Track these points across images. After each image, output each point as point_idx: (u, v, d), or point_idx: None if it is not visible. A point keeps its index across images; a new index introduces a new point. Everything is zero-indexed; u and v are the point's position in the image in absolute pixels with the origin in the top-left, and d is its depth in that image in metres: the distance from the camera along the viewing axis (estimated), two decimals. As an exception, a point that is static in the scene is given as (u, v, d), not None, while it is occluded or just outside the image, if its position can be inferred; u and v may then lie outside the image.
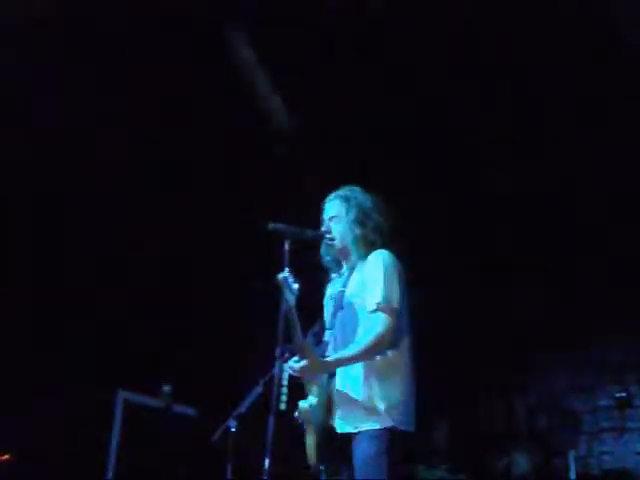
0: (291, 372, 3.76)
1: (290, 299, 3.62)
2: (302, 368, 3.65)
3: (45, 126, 6.34)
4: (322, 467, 4.17)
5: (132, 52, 6.19)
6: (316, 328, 4.11)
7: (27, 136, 6.39)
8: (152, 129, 6.75)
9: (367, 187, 4.16)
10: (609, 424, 7.14)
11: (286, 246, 3.79)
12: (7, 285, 6.71)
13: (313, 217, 4.17)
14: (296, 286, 3.65)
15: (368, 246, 3.94)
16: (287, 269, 3.67)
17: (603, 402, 7.17)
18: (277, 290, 3.67)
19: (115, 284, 7.33)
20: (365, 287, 3.86)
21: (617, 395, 7.00)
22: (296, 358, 3.69)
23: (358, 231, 3.95)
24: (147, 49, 6.21)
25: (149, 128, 6.73)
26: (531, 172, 6.95)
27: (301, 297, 3.74)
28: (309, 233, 3.98)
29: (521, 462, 7.16)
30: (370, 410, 3.67)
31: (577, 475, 6.66)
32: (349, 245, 3.99)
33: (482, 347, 7.57)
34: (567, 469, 6.65)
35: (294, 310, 3.66)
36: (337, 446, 3.75)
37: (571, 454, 6.70)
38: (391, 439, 3.64)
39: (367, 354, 3.70)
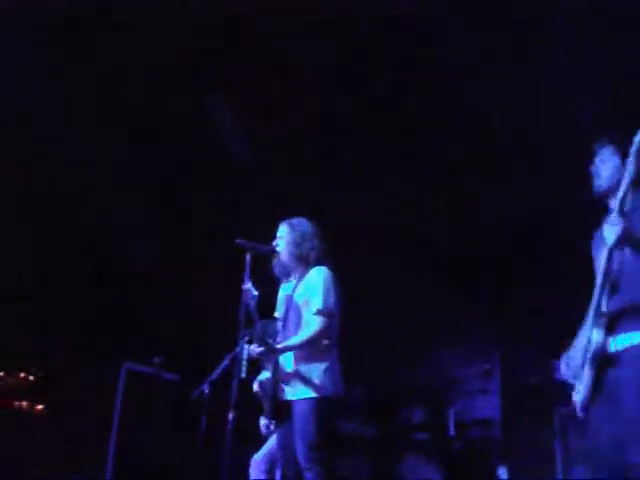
0: (252, 354, 4.08)
1: (252, 304, 4.00)
2: (260, 353, 4.01)
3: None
4: (273, 422, 4.67)
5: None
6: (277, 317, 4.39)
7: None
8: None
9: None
10: (479, 387, 7.57)
11: (248, 257, 4.13)
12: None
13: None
14: (256, 293, 4.02)
15: (303, 262, 4.25)
16: (249, 282, 4.03)
17: (475, 371, 7.64)
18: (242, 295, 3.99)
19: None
20: (309, 295, 4.14)
21: (484, 367, 7.54)
22: (255, 345, 4.02)
23: (295, 250, 4.26)
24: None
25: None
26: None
27: (263, 298, 4.12)
28: (264, 248, 4.27)
29: (418, 414, 7.80)
30: (305, 382, 3.98)
31: (455, 422, 7.18)
32: (289, 259, 4.30)
33: (397, 332, 7.88)
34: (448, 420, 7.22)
35: (255, 311, 4.02)
36: (283, 408, 4.06)
37: (451, 410, 7.23)
38: (320, 403, 3.95)
39: (306, 344, 4.03)
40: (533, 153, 6.54)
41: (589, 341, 3.24)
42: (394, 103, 6.56)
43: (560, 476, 6.23)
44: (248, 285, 4.04)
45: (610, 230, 3.21)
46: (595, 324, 3.24)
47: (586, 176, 3.62)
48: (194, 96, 6.46)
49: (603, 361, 3.22)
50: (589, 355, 3.24)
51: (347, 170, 7.05)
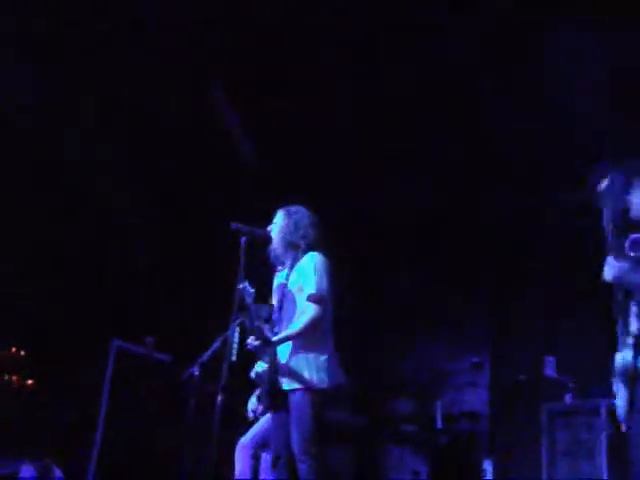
0: (249, 347, 4.10)
1: (248, 300, 3.99)
2: (257, 345, 4.03)
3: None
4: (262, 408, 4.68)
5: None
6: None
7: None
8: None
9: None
10: (467, 380, 7.67)
11: (243, 241, 4.13)
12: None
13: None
14: (252, 291, 4.01)
15: (294, 249, 4.24)
16: (245, 281, 4.03)
17: (464, 365, 7.71)
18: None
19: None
20: (302, 281, 4.14)
21: (473, 360, 7.60)
22: (252, 337, 4.04)
23: (287, 237, 4.25)
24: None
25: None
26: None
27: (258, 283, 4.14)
28: (259, 232, 4.27)
29: (406, 406, 7.80)
30: (301, 373, 3.98)
31: (443, 415, 7.20)
32: (280, 245, 4.28)
33: (380, 325, 8.13)
34: (435, 413, 7.23)
35: (251, 307, 4.02)
36: (280, 398, 4.07)
37: (439, 402, 7.26)
38: (316, 395, 3.97)
39: (303, 333, 4.02)
40: (532, 155, 6.59)
41: (623, 359, 3.42)
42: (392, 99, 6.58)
43: (546, 471, 6.27)
44: (244, 284, 4.02)
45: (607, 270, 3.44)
46: (625, 344, 3.41)
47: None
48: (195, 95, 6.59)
49: (634, 379, 3.38)
50: (622, 373, 3.43)
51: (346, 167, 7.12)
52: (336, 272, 4.25)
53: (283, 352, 4.08)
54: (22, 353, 6.74)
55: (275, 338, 4.05)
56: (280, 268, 4.38)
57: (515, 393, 7.00)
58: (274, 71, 6.47)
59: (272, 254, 4.36)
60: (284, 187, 6.56)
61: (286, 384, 4.02)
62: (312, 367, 4.00)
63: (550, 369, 6.83)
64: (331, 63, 6.36)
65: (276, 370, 4.06)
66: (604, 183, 3.60)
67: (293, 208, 4.37)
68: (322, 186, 6.98)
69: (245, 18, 6.03)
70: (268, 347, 4.05)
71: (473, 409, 7.45)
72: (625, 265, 3.40)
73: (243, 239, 4.15)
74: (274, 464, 4.11)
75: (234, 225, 4.16)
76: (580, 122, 5.72)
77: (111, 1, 5.86)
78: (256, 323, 4.03)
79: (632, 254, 3.49)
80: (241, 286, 4.01)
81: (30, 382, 6.60)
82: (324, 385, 3.99)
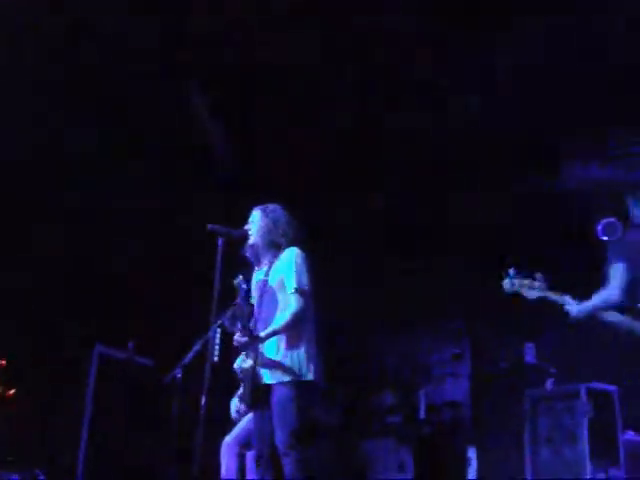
0: (236, 344, 4.08)
1: (242, 295, 4.01)
2: (244, 342, 4.00)
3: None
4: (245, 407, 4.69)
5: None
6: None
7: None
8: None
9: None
10: (449, 371, 7.80)
11: (220, 242, 4.13)
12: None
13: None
14: (245, 286, 4.02)
15: (274, 247, 4.26)
16: (240, 275, 4.04)
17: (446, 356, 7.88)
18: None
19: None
20: (283, 276, 4.14)
21: (454, 352, 7.75)
22: (238, 334, 4.03)
23: (266, 236, 4.27)
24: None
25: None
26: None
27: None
28: (237, 232, 4.27)
29: (389, 398, 7.85)
30: (285, 367, 3.99)
31: (426, 404, 7.34)
32: (261, 244, 4.30)
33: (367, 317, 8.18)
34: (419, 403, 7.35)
35: (244, 303, 4.03)
36: (261, 393, 4.04)
37: (422, 392, 7.38)
38: (300, 389, 3.97)
39: (287, 328, 4.03)
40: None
41: None
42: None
43: (529, 457, 6.35)
44: (239, 279, 4.04)
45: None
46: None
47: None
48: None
49: None
50: None
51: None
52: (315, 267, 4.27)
53: (267, 347, 4.08)
54: (2, 362, 6.65)
55: (262, 334, 4.04)
56: (257, 267, 4.38)
57: (496, 381, 7.08)
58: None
59: (250, 252, 4.36)
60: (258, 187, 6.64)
61: (271, 378, 4.02)
62: (296, 361, 4.01)
63: (530, 355, 6.91)
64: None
65: (261, 365, 4.05)
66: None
67: (269, 207, 4.38)
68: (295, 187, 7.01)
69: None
70: (254, 343, 4.04)
71: (455, 399, 7.53)
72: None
73: (220, 240, 4.15)
74: (257, 463, 4.11)
75: (211, 226, 4.16)
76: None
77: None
78: (243, 320, 4.04)
79: (605, 238, 3.57)
80: (236, 281, 4.03)
81: (11, 392, 6.54)
82: (309, 378, 4.00)
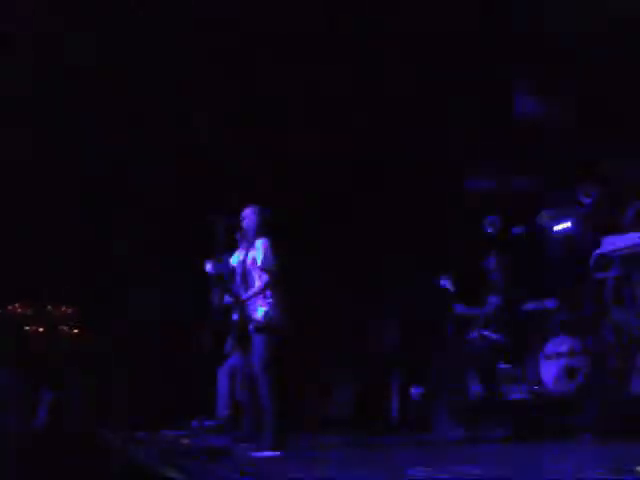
0: (225, 301, 6.03)
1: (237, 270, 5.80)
2: (233, 301, 5.86)
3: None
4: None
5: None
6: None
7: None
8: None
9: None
10: None
11: (219, 228, 5.83)
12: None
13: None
14: (231, 266, 5.88)
15: (260, 235, 5.68)
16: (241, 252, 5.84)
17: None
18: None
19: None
20: (257, 257, 5.57)
21: None
22: (227, 295, 5.98)
23: (258, 229, 5.72)
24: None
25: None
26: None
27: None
28: (232, 221, 5.81)
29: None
30: (260, 317, 5.52)
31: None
32: (251, 232, 5.74)
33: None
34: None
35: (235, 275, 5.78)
36: (247, 337, 5.62)
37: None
38: (270, 331, 5.48)
39: (260, 292, 5.54)
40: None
41: None
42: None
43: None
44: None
45: None
46: None
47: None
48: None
49: None
50: None
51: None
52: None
53: (249, 305, 5.65)
54: (69, 311, 8.64)
55: (244, 296, 5.66)
56: (239, 251, 5.88)
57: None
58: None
59: (241, 238, 5.90)
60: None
61: (251, 324, 5.53)
62: (266, 313, 5.52)
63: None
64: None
65: (244, 317, 5.63)
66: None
67: (259, 208, 5.83)
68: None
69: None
70: (239, 302, 5.71)
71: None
72: None
73: (220, 226, 5.88)
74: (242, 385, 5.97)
75: (211, 216, 5.87)
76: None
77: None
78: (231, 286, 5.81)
79: None
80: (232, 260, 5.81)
81: (76, 331, 8.51)
82: (276, 323, 5.49)
